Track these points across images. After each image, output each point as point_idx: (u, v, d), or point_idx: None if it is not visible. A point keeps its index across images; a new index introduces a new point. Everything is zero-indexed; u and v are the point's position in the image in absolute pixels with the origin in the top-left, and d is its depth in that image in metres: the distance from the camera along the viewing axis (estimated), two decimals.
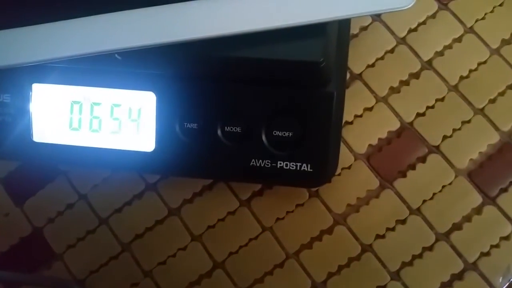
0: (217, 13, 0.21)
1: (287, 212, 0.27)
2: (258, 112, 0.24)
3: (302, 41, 0.22)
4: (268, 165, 0.24)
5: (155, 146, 0.25)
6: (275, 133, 0.24)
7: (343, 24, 0.25)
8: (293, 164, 0.24)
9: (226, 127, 0.24)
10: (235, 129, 0.24)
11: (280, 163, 0.24)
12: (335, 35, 0.23)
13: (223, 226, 0.28)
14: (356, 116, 0.28)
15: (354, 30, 0.29)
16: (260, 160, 0.24)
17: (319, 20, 0.20)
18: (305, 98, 0.23)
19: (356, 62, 0.29)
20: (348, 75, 0.29)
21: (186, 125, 0.24)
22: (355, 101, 0.28)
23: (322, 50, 0.22)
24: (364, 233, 0.27)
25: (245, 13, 0.20)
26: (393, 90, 0.28)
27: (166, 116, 0.25)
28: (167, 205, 0.28)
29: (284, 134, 0.24)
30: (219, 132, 0.24)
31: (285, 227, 0.27)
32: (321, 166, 0.24)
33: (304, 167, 0.24)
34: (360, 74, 0.29)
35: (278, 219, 0.27)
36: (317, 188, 0.28)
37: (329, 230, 0.27)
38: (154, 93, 0.25)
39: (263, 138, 0.24)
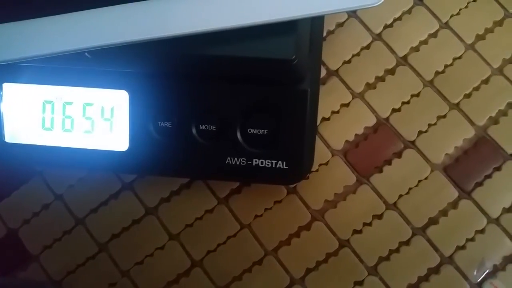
0: (189, 11, 0.20)
1: (265, 209, 0.27)
2: (233, 110, 0.24)
3: (275, 38, 0.22)
4: (243, 163, 0.24)
5: (129, 146, 0.25)
6: (250, 131, 0.24)
7: (316, 21, 0.25)
8: (268, 162, 0.24)
9: (200, 126, 0.24)
10: (210, 127, 0.24)
11: (256, 161, 0.24)
12: (307, 32, 0.23)
13: (201, 224, 0.28)
14: (333, 112, 0.28)
15: (330, 26, 0.29)
16: (236, 158, 0.24)
17: (291, 17, 0.20)
18: (279, 96, 0.23)
19: (332, 58, 0.29)
20: (324, 71, 0.29)
21: (160, 123, 0.24)
22: (331, 97, 0.28)
23: (294, 48, 0.22)
24: (342, 228, 0.27)
25: (217, 11, 0.20)
26: (369, 86, 0.28)
27: (140, 115, 0.24)
28: (144, 204, 0.28)
29: (259, 131, 0.24)
30: (193, 130, 0.24)
31: (264, 224, 0.27)
32: (297, 163, 0.24)
33: (280, 164, 0.24)
34: (337, 70, 0.29)
35: (256, 216, 0.27)
36: (294, 185, 0.28)
37: (307, 226, 0.27)
38: (127, 92, 0.24)
39: (238, 136, 0.24)
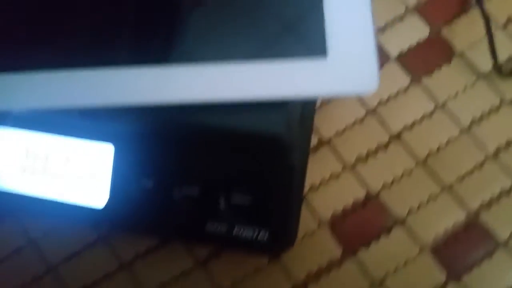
0: (183, 80, 0.21)
1: (245, 275, 0.26)
2: (218, 175, 0.23)
3: (265, 113, 0.21)
4: (224, 230, 0.23)
5: (108, 201, 0.24)
6: (233, 198, 0.23)
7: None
8: (250, 231, 0.23)
9: (183, 188, 0.23)
10: (193, 190, 0.23)
11: (237, 229, 0.23)
12: (299, 108, 0.23)
13: (176, 286, 0.26)
14: (322, 182, 0.28)
15: None
16: (216, 225, 0.23)
17: (280, 97, 0.20)
18: (266, 167, 0.23)
19: (326, 127, 0.29)
20: (316, 139, 0.29)
21: (142, 181, 0.23)
22: (322, 166, 0.28)
23: (283, 124, 0.21)
24: None
25: (207, 84, 0.20)
26: (361, 159, 0.28)
27: (123, 170, 0.24)
28: (118, 259, 0.27)
29: (244, 200, 0.23)
30: (176, 192, 0.23)
31: None
32: (279, 235, 0.23)
33: (262, 234, 0.23)
34: (329, 140, 0.29)
35: (234, 282, 0.26)
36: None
37: None
38: (113, 145, 0.24)
39: (221, 202, 0.23)
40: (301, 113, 0.24)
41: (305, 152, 0.25)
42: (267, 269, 0.26)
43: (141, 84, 0.21)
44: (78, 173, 0.24)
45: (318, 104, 0.29)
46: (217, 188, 0.23)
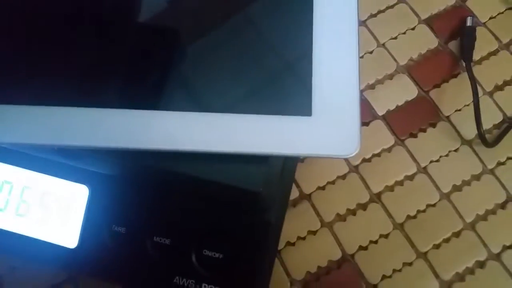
0: (166, 128, 0.20)
1: None
2: (191, 228, 0.23)
3: (244, 167, 0.21)
4: (192, 285, 0.23)
5: (78, 243, 0.23)
6: (205, 252, 0.23)
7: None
8: None
9: (155, 237, 0.23)
10: (164, 241, 0.23)
11: (205, 286, 0.23)
12: (280, 164, 0.23)
13: None
14: (299, 238, 0.27)
15: None
16: (184, 279, 0.23)
17: (262, 153, 0.20)
18: (241, 223, 0.23)
19: (307, 182, 0.28)
20: (297, 193, 0.28)
21: (114, 227, 0.23)
22: (300, 221, 0.28)
23: (262, 180, 0.21)
24: None
25: (190, 133, 0.20)
26: (340, 217, 0.28)
27: (96, 214, 0.23)
28: None
29: (215, 255, 0.23)
30: (147, 240, 0.23)
31: None
32: None
33: None
34: (309, 195, 0.28)
35: None
36: None
37: None
38: (88, 188, 0.24)
39: (192, 255, 0.23)
40: (282, 170, 0.23)
41: (282, 209, 0.25)
42: None
43: (124, 128, 0.20)
44: (51, 211, 0.24)
45: (300, 159, 0.29)
46: (189, 242, 0.23)
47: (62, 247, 0.23)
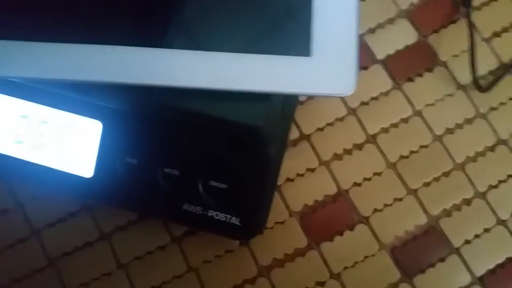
0: (173, 65, 0.22)
1: (216, 256, 0.28)
2: (198, 160, 0.25)
3: (246, 103, 0.23)
4: (199, 212, 0.25)
5: (94, 173, 0.25)
6: (211, 182, 0.25)
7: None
8: (223, 215, 0.25)
9: (164, 169, 0.25)
10: (174, 171, 0.25)
11: (211, 212, 0.25)
12: (280, 102, 0.24)
13: (151, 259, 0.28)
14: (298, 175, 0.29)
15: None
16: (193, 206, 0.25)
17: (263, 90, 0.21)
18: (244, 156, 0.24)
19: (307, 123, 0.30)
20: (297, 134, 0.30)
21: (127, 158, 0.25)
22: (299, 160, 0.30)
23: (263, 115, 0.23)
24: None
25: (195, 71, 0.21)
26: (336, 157, 0.30)
27: (109, 147, 0.25)
28: (99, 229, 0.29)
29: (219, 185, 0.25)
30: (157, 172, 0.25)
31: (211, 270, 0.28)
32: (249, 222, 0.25)
33: (233, 220, 0.25)
34: (309, 135, 0.30)
35: (205, 261, 0.28)
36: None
37: (252, 281, 0.28)
38: (101, 122, 0.25)
39: (199, 185, 0.25)
40: (282, 108, 0.25)
41: (282, 145, 0.27)
42: (237, 252, 0.28)
43: (133, 64, 0.22)
44: (67, 144, 0.26)
45: (302, 100, 0.30)
46: (196, 173, 0.25)
47: (79, 176, 0.25)
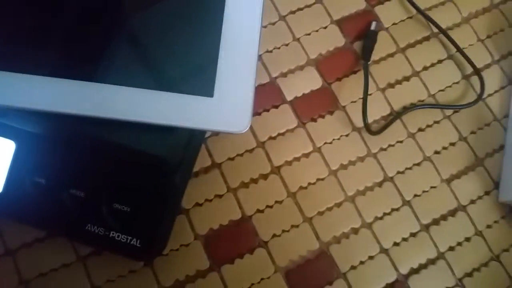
0: (90, 96, 0.24)
1: (119, 276, 0.29)
2: (103, 182, 0.26)
3: (152, 135, 0.25)
4: (101, 232, 0.26)
5: (2, 190, 0.26)
6: (114, 205, 0.26)
7: None
8: (124, 237, 0.26)
9: (71, 189, 0.26)
10: (79, 193, 0.26)
11: (113, 233, 0.26)
12: (186, 135, 0.27)
13: (54, 276, 0.29)
14: (206, 200, 0.32)
15: None
16: (95, 227, 0.26)
17: (167, 124, 0.24)
18: (147, 181, 0.27)
19: (219, 153, 0.33)
20: (209, 162, 0.32)
21: (36, 178, 0.26)
22: (209, 186, 0.32)
23: (168, 147, 0.25)
24: None
25: (107, 102, 0.24)
26: (244, 185, 0.32)
27: (20, 165, 0.26)
28: (4, 245, 0.29)
29: (123, 208, 0.26)
30: (64, 192, 0.26)
31: None
32: (149, 244, 0.26)
33: (134, 241, 0.26)
34: (220, 164, 0.32)
35: (108, 280, 0.29)
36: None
37: None
38: (15, 143, 0.26)
39: (103, 207, 0.26)
40: (188, 139, 0.27)
41: (186, 173, 0.29)
42: (140, 272, 0.30)
43: (56, 94, 0.23)
44: None
45: (214, 133, 0.33)
46: (100, 195, 0.26)
47: None
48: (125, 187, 0.26)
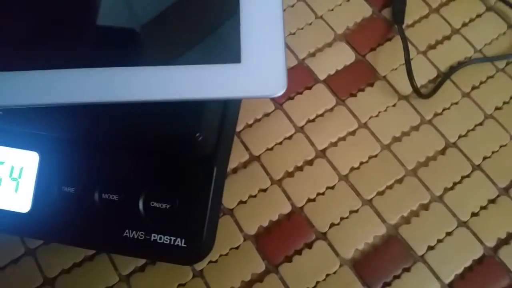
0: (113, 82, 0.22)
1: None
2: (137, 181, 0.24)
3: (182, 116, 0.23)
4: (141, 237, 0.23)
5: (31, 208, 0.24)
6: (152, 204, 0.24)
7: (230, 101, 0.26)
8: (167, 238, 0.23)
9: (103, 194, 0.24)
10: (112, 196, 0.24)
11: (154, 236, 0.23)
12: (218, 111, 0.24)
13: None
14: (250, 196, 0.29)
15: (257, 115, 0.31)
16: (134, 232, 0.23)
17: (198, 98, 0.21)
18: (184, 172, 0.24)
19: (256, 144, 0.30)
20: (247, 156, 0.30)
21: (64, 188, 0.24)
22: (251, 181, 0.29)
23: (199, 125, 0.23)
24: None
25: (132, 85, 0.22)
26: (288, 174, 0.29)
27: (46, 178, 0.24)
28: (43, 273, 0.27)
29: (162, 206, 0.24)
30: (96, 198, 0.24)
31: None
32: (195, 243, 0.23)
33: (178, 241, 0.23)
34: (259, 156, 0.30)
35: None
36: (201, 268, 0.27)
37: None
38: (38, 153, 0.25)
39: (140, 208, 0.24)
40: (222, 116, 0.25)
41: (225, 156, 0.26)
42: (190, 284, 0.26)
43: (73, 83, 0.22)
44: (4, 180, 0.25)
45: (249, 123, 0.30)
46: (137, 193, 0.24)
47: (16, 212, 0.24)
48: (161, 182, 0.24)
